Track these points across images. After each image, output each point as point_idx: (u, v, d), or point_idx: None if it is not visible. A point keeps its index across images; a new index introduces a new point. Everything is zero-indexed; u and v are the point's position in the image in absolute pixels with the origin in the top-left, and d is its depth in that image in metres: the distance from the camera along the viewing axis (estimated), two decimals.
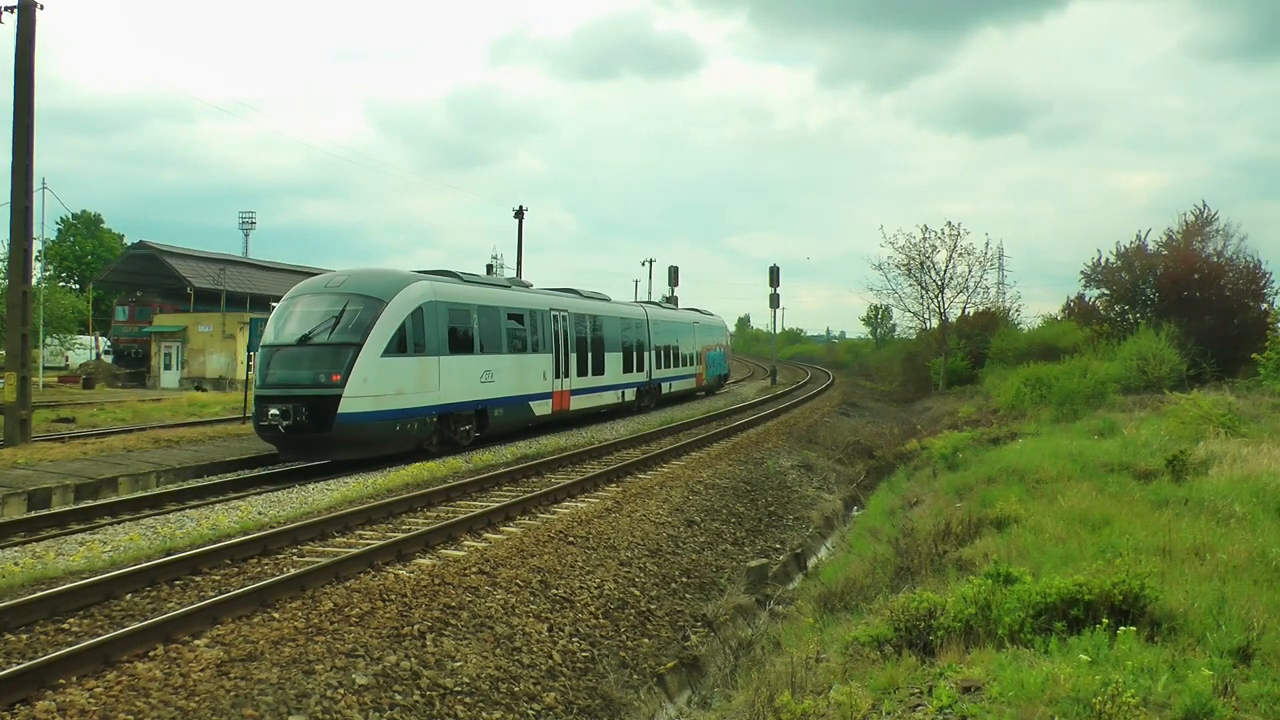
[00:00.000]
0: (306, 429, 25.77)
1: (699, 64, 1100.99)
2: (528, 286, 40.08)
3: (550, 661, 12.96)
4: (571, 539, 18.11)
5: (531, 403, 35.50)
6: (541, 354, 36.23)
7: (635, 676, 13.61)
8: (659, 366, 50.84)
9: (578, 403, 39.67)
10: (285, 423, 25.66)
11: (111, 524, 19.40)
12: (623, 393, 45.16)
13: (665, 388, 52.17)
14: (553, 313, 37.74)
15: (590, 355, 41.05)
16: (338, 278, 28.94)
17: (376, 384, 26.58)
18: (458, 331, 30.58)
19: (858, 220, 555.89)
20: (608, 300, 47.03)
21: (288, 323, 27.61)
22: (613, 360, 43.77)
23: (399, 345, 27.42)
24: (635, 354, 47.11)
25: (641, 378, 47.90)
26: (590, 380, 40.93)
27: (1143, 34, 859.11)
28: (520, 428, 35.42)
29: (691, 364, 57.65)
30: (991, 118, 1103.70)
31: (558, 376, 37.47)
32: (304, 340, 26.87)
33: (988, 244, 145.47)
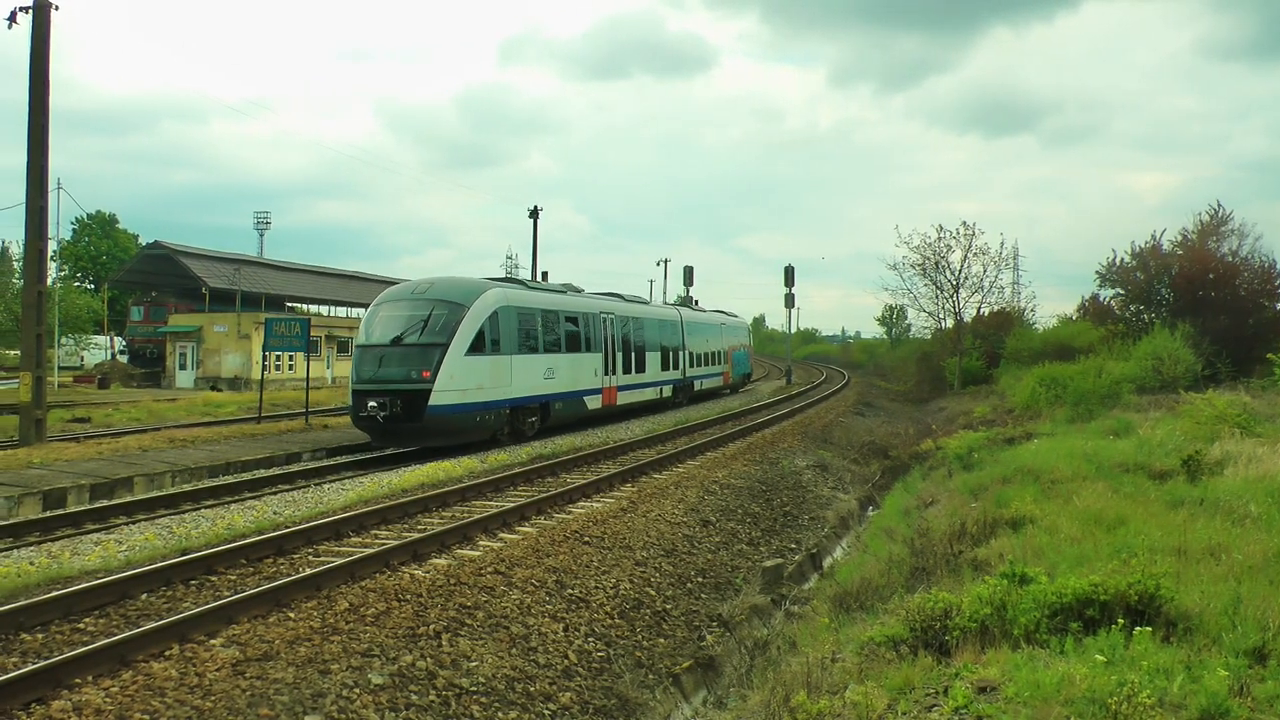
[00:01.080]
0: (401, 419, 28.91)
1: (710, 64, 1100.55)
2: (580, 292, 42.20)
3: (566, 661, 12.97)
4: (587, 539, 18.11)
5: (585, 397, 38.67)
6: (593, 353, 39.46)
7: (651, 676, 13.61)
8: (692, 365, 53.71)
9: (623, 398, 42.72)
10: (383, 414, 28.80)
11: (127, 524, 19.45)
12: (661, 389, 48.36)
13: (697, 385, 55.14)
14: (602, 315, 40.91)
15: (633, 355, 44.25)
16: (422, 285, 32.33)
17: (461, 380, 29.78)
18: (526, 333, 33.82)
19: (868, 220, 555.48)
20: (647, 303, 51.79)
21: (379, 326, 31.02)
22: (653, 359, 47.02)
23: (479, 345, 30.61)
24: (671, 354, 50.23)
25: (677, 375, 50.94)
26: (634, 378, 44.08)
27: (1153, 34, 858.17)
28: (575, 420, 38.51)
29: (720, 363, 60.49)
30: (1002, 118, 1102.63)
31: (606, 374, 40.63)
32: (396, 341, 30.09)
33: (1002, 244, 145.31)
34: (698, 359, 55.07)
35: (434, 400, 28.93)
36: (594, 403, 39.49)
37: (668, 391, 49.44)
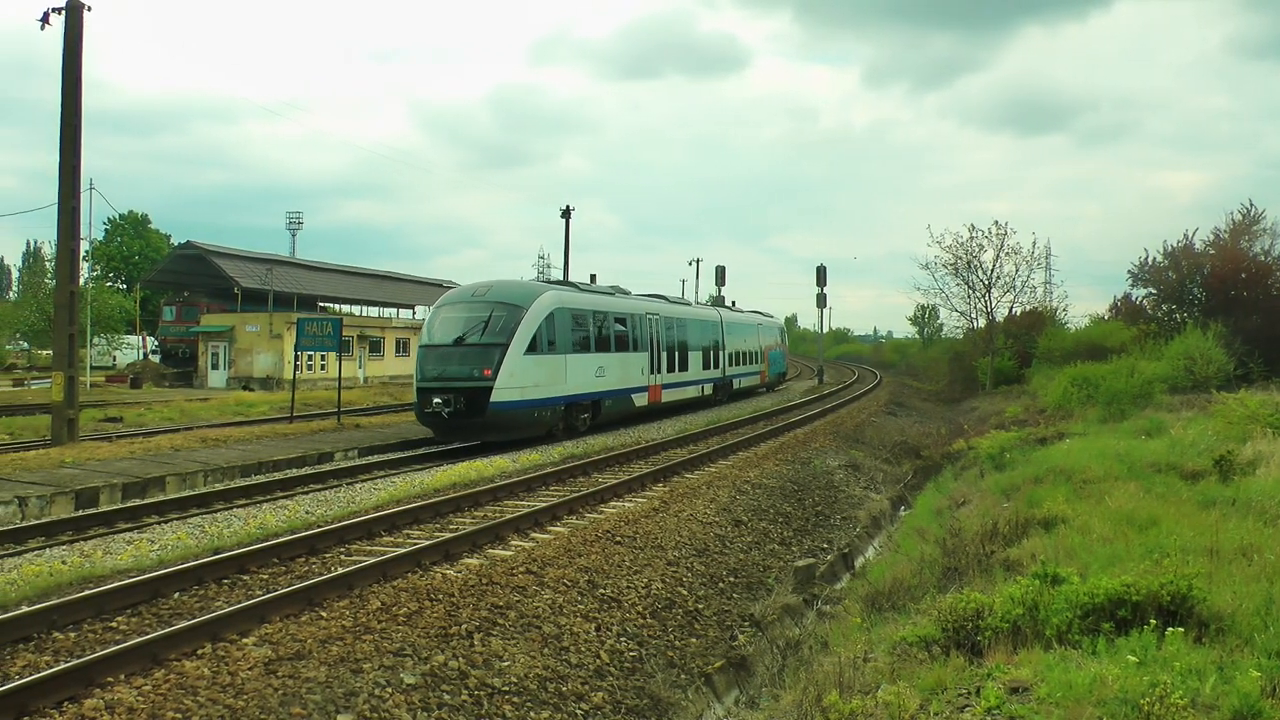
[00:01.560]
0: (464, 415, 30.58)
1: (743, 64, 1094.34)
2: (627, 294, 44.10)
3: (598, 661, 12.98)
4: (619, 539, 18.12)
5: (633, 395, 40.38)
6: (640, 353, 41.14)
7: (683, 676, 13.61)
8: (731, 364, 55.40)
9: (668, 395, 44.36)
10: (447, 410, 30.48)
11: (159, 523, 19.51)
12: (703, 387, 50.11)
13: (736, 383, 57.03)
14: (648, 316, 42.74)
15: (677, 354, 45.84)
16: (482, 288, 34.28)
17: (520, 378, 31.38)
18: (579, 334, 35.59)
19: (901, 220, 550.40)
20: (689, 304, 54.98)
21: (441, 327, 33.01)
22: (695, 359, 48.55)
23: (536, 345, 32.27)
24: (712, 353, 51.81)
25: (717, 374, 52.51)
26: (677, 376, 45.69)
27: (1185, 32, 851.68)
28: (624, 416, 40.35)
29: (757, 362, 62.40)
30: (1035, 117, 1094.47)
31: (652, 372, 42.34)
32: (458, 341, 31.93)
33: (1034, 243, 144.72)
34: (736, 358, 56.56)
35: (495, 397, 30.52)
36: (641, 400, 41.15)
37: (708, 390, 50.92)
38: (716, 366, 52.59)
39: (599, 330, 37.43)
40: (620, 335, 39.44)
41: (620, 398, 39.15)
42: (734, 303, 69.26)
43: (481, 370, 30.86)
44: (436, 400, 30.61)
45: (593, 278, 52.86)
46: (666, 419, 42.64)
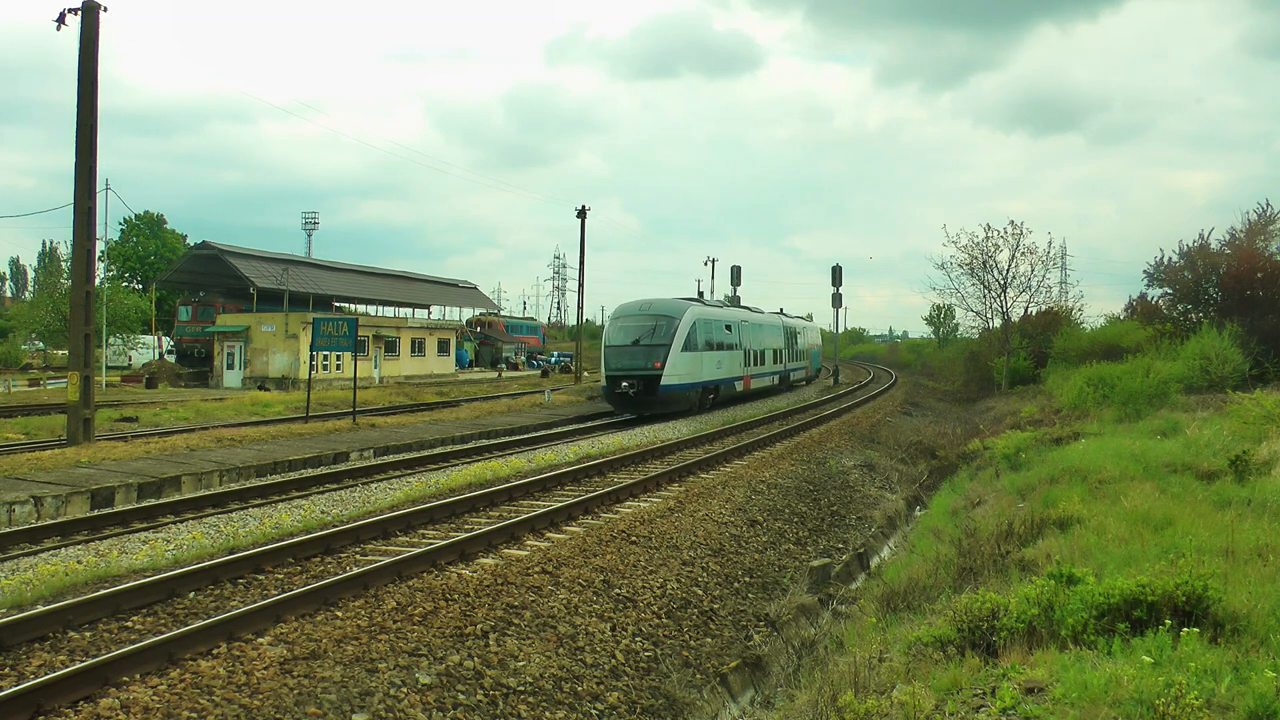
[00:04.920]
0: (642, 394, 42.74)
1: (757, 64, 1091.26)
2: (728, 306, 59.50)
3: (613, 661, 12.98)
4: (634, 538, 18.13)
5: (735, 382, 52.49)
6: (738, 351, 52.94)
7: (698, 676, 13.62)
8: (789, 360, 67.06)
9: (754, 384, 56.67)
10: (631, 391, 42.61)
11: (174, 522, 19.56)
12: (773, 378, 62.34)
13: (791, 376, 68.57)
14: (742, 323, 54.54)
15: (758, 352, 57.66)
16: (647, 304, 46.44)
17: (679, 368, 43.27)
18: (708, 337, 47.14)
19: (917, 219, 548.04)
20: (762, 313, 65.11)
21: (618, 333, 45.11)
22: (769, 356, 60.64)
23: (687, 345, 44.01)
24: (778, 351, 63.78)
25: (780, 368, 64.29)
26: (759, 369, 57.89)
27: (1200, 31, 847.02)
28: (729, 399, 51.85)
29: (802, 359, 73.63)
30: (1049, 116, 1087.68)
31: (745, 366, 54.27)
32: (635, 343, 43.85)
33: (1050, 243, 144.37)
34: (792, 355, 68.30)
35: (664, 382, 42.41)
36: (739, 386, 53.27)
37: (775, 380, 63.01)
38: (780, 362, 63.99)
39: (718, 334, 48.88)
40: (727, 338, 50.69)
41: (729, 384, 51.16)
42: (781, 309, 73.28)
43: (653, 363, 42.51)
44: (624, 384, 42.59)
45: (701, 294, 62.80)
46: (682, 420, 42.97)
